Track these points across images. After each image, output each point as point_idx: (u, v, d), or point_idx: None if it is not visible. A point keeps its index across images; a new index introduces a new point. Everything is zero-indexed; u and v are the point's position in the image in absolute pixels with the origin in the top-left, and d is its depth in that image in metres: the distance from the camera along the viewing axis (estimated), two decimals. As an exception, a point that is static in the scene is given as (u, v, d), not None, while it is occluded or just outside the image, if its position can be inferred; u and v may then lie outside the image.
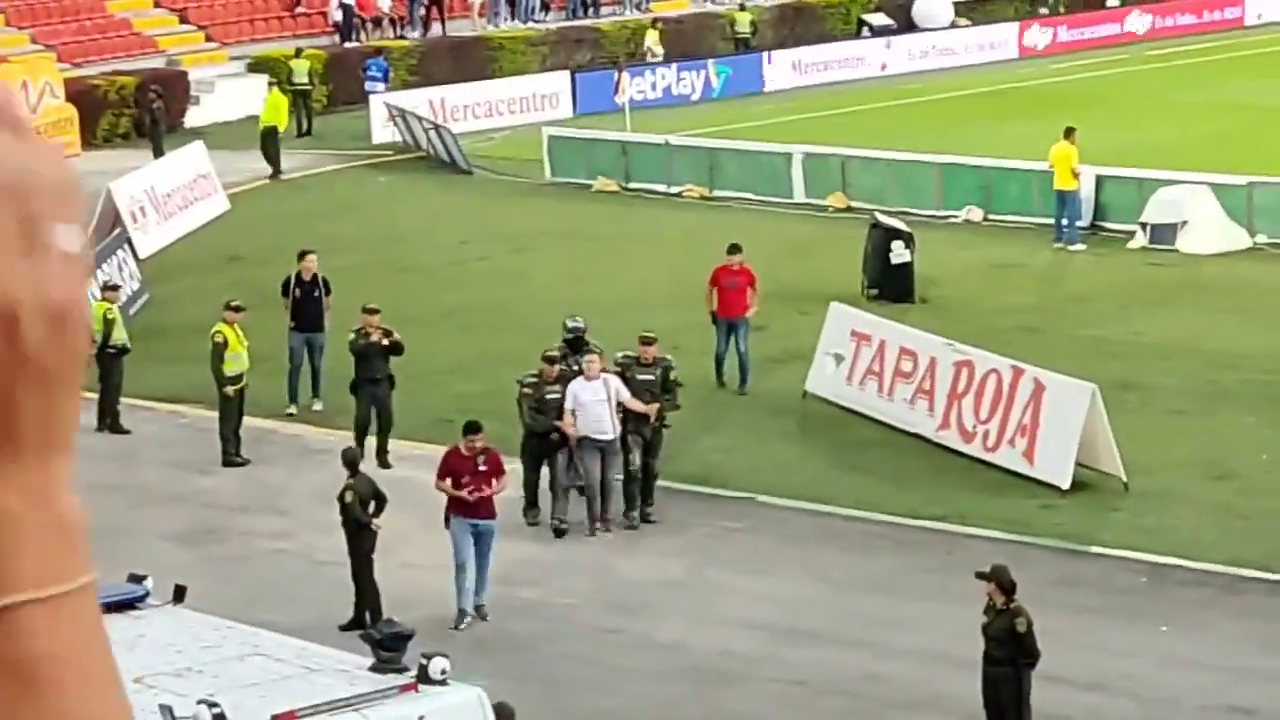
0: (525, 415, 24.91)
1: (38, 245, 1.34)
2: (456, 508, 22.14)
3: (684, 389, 25.61)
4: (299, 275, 29.84)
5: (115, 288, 31.62)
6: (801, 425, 28.40)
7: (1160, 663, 20.70)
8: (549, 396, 24.60)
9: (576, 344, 26.43)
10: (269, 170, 46.32)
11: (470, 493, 22.42)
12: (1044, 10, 65.78)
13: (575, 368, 24.96)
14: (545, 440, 24.81)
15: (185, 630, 15.93)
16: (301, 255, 30.09)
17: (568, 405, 24.49)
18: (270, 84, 49.19)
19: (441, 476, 22.43)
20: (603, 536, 24.04)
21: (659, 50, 59.11)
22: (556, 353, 26.26)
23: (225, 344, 27.77)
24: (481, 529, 21.99)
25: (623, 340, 29.73)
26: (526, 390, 24.94)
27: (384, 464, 26.14)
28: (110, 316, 29.15)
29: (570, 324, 27.24)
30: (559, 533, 23.80)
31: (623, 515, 25.19)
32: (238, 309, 28.12)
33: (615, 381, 24.50)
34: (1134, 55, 61.26)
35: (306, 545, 24.16)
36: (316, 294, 29.87)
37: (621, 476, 25.23)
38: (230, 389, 27.75)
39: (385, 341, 26.59)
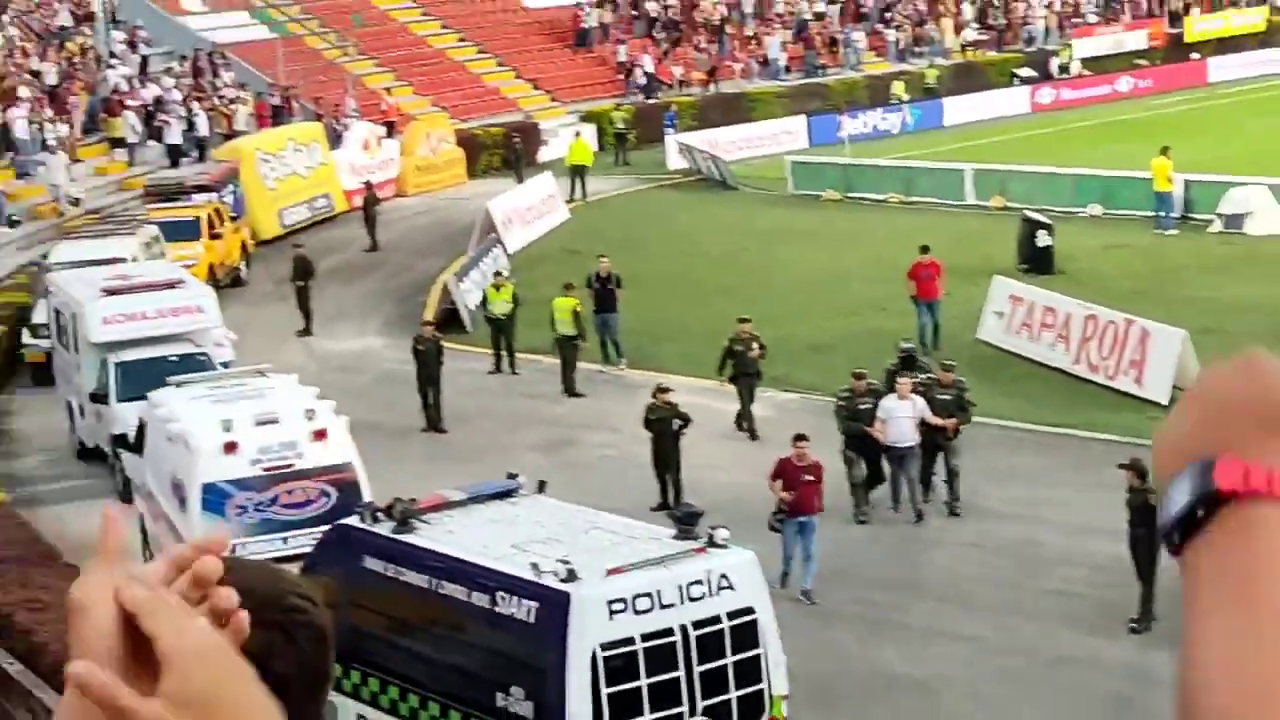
0: (840, 423, 22.90)
1: None
2: (788, 509, 20.09)
3: (973, 407, 23.21)
4: (597, 272, 29.87)
5: (503, 274, 32.02)
6: (974, 364, 28.35)
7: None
8: (860, 407, 22.81)
9: (908, 362, 24.50)
10: (578, 195, 46.32)
11: (794, 492, 20.14)
12: (1143, 63, 62.68)
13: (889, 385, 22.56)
14: (860, 441, 22.75)
15: (546, 512, 16.30)
16: (598, 258, 30.37)
17: (880, 415, 22.58)
18: (576, 134, 49.48)
19: (773, 479, 20.29)
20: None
21: (904, 95, 57.89)
22: (891, 366, 23.85)
23: (563, 313, 28.19)
24: (806, 524, 20.17)
25: (842, 303, 30.59)
26: (841, 403, 23.05)
27: (753, 435, 25.24)
28: (511, 296, 30.15)
29: (903, 345, 25.07)
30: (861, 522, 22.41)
31: (922, 499, 22.70)
32: (571, 287, 28.47)
33: (920, 401, 22.70)
34: (1209, 94, 59.08)
35: (628, 452, 24.40)
36: (609, 286, 29.60)
37: (917, 474, 22.96)
38: (568, 344, 28.15)
39: (756, 349, 25.42)
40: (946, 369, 22.84)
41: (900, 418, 21.44)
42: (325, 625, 1.85)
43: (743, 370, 25.54)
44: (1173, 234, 36.63)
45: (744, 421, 25.75)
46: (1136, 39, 63.80)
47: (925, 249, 29.60)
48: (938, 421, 21.57)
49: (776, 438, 23.86)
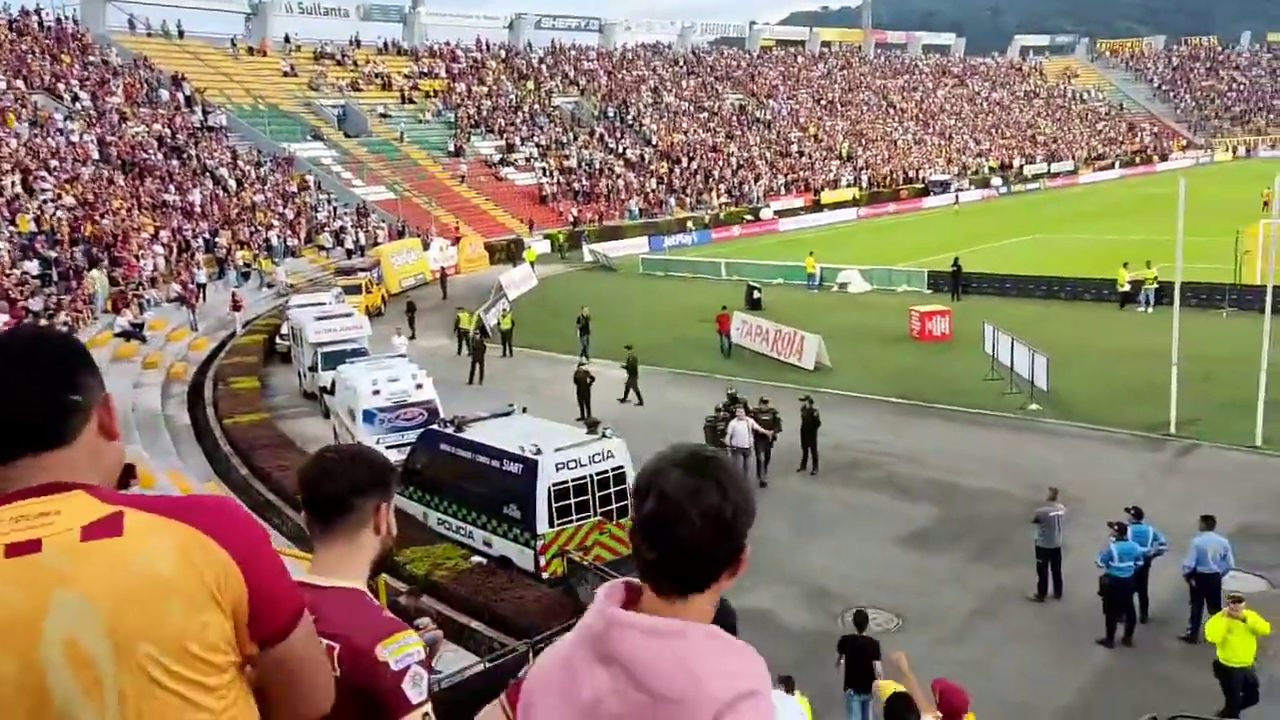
0: (707, 436, 20.44)
1: None
2: None
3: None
4: (582, 313, 31.91)
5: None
6: (733, 354, 31.19)
7: None
8: (719, 427, 20.57)
9: (734, 399, 21.34)
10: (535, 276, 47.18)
11: None
12: (801, 213, 70.50)
13: None
14: (717, 447, 17.31)
15: (526, 422, 18.86)
16: (582, 307, 33.51)
17: (729, 431, 20.24)
18: (530, 246, 53.74)
19: None
20: None
21: (693, 227, 62.16)
22: (726, 401, 21.63)
23: (506, 322, 31.00)
24: None
25: (671, 324, 33.56)
26: (708, 424, 20.38)
27: (641, 400, 23.94)
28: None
29: (729, 391, 22.35)
30: None
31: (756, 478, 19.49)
32: (505, 320, 30.44)
33: (751, 421, 20.17)
34: (830, 228, 65.94)
35: (566, 393, 26.81)
36: (587, 319, 31.28)
37: (753, 461, 20.29)
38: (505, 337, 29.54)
39: (635, 358, 24.69)
40: (764, 401, 20.26)
41: (741, 432, 20.31)
42: None
43: (632, 366, 25.15)
44: (815, 293, 40.29)
45: (631, 391, 24.57)
46: (800, 201, 73.90)
47: (725, 306, 30.90)
48: (764, 431, 20.32)
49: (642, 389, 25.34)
